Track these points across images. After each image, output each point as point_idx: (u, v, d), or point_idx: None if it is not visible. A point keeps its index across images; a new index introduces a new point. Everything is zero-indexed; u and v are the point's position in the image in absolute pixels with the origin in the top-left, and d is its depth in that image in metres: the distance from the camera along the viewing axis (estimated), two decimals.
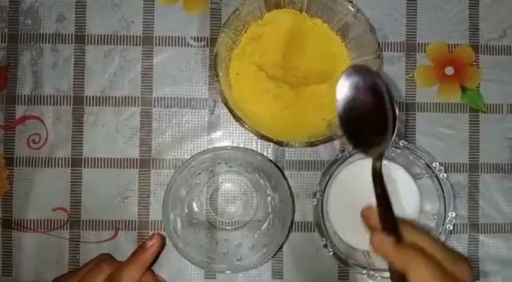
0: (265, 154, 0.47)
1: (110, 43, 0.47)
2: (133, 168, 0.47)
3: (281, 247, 0.46)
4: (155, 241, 0.42)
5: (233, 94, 0.44)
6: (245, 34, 0.45)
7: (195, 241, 0.45)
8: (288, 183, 0.46)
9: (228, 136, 0.48)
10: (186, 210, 0.46)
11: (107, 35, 0.47)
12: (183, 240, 0.43)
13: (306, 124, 0.45)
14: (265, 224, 0.46)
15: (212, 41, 0.47)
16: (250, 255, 0.43)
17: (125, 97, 0.47)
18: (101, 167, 0.47)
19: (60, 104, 0.47)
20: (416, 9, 0.49)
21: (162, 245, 0.45)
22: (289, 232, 0.47)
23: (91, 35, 0.47)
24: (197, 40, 0.48)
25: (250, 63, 0.44)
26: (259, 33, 0.45)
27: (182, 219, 0.44)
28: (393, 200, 0.32)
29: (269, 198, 0.46)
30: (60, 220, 0.46)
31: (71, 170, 0.47)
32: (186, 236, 0.44)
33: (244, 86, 0.45)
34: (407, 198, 0.44)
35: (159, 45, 0.47)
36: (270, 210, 0.46)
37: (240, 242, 0.46)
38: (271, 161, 0.47)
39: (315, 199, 0.42)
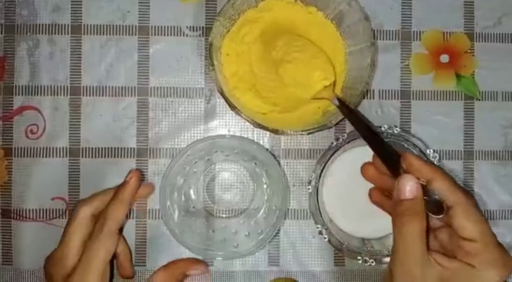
0: (261, 142, 0.48)
1: (106, 33, 0.47)
2: (131, 157, 0.47)
3: (277, 234, 0.47)
4: (132, 175, 0.42)
5: (227, 82, 0.44)
6: (243, 16, 0.45)
7: (193, 228, 0.45)
8: (283, 171, 0.47)
9: (224, 125, 0.48)
10: (183, 198, 0.46)
11: (103, 25, 0.47)
12: (180, 227, 0.43)
13: (301, 112, 0.45)
14: (261, 212, 0.46)
15: (207, 31, 0.47)
16: (247, 242, 0.44)
17: (122, 87, 0.47)
18: (98, 157, 0.47)
19: (57, 95, 0.47)
20: None
21: (142, 181, 0.44)
22: (285, 219, 0.47)
23: (87, 25, 0.47)
24: (193, 30, 0.48)
25: (242, 43, 0.44)
26: (255, 17, 0.45)
27: (179, 207, 0.45)
28: None
29: (265, 186, 0.47)
30: (59, 209, 0.47)
31: (69, 159, 0.47)
32: (184, 224, 0.44)
33: (232, 64, 0.45)
34: None
35: (154, 35, 0.48)
36: (266, 198, 0.46)
37: (237, 229, 0.46)
38: (267, 149, 0.47)
39: (310, 187, 0.43)
